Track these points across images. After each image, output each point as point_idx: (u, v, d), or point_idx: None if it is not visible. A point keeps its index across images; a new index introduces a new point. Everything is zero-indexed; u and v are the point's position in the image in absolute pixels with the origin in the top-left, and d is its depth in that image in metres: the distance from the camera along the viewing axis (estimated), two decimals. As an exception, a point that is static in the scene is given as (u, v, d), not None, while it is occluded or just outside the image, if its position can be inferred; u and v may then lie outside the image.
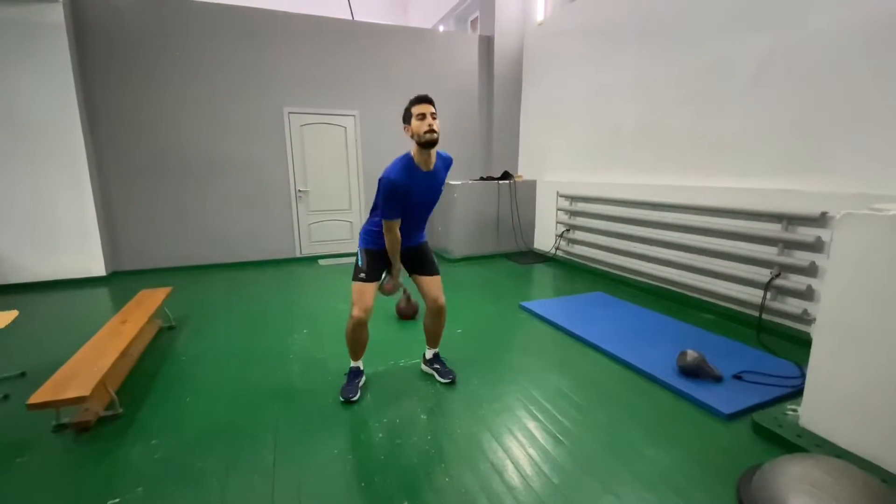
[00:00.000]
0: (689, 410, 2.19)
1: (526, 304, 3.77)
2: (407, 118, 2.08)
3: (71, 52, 4.40)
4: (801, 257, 2.95)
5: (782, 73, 3.09)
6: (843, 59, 2.75)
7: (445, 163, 2.28)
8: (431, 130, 2.01)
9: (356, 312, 2.21)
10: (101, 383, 2.10)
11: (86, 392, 1.92)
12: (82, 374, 2.08)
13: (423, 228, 2.42)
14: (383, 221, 2.14)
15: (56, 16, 4.27)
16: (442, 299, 2.40)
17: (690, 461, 1.81)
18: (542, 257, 5.77)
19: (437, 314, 2.43)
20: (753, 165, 3.33)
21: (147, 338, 3.05)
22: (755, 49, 3.24)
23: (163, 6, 4.85)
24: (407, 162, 2.09)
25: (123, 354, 2.42)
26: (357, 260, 2.31)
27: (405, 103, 2.10)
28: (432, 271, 2.40)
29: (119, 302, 3.91)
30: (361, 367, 2.44)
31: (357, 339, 2.33)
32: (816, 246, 2.84)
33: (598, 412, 2.19)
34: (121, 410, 2.19)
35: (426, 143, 2.03)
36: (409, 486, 1.69)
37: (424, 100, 2.06)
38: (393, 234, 2.18)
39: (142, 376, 2.59)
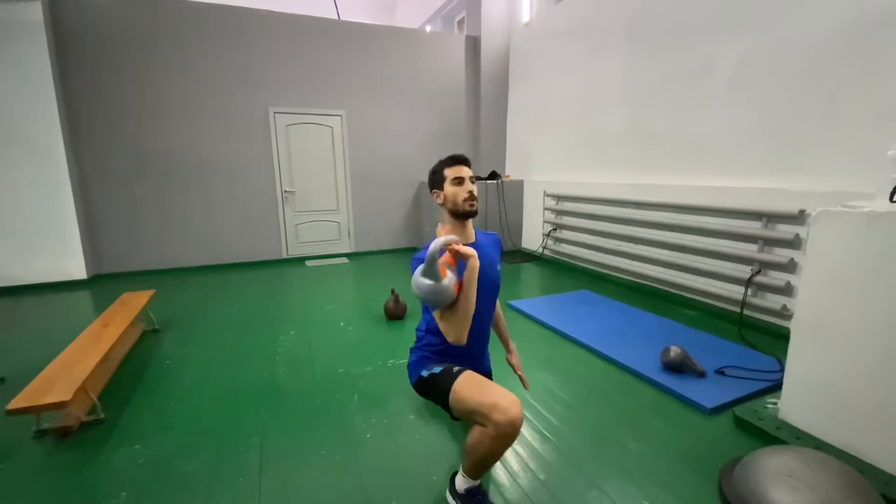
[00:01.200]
0: (672, 405, 2.23)
1: (514, 302, 3.79)
2: (438, 182, 1.66)
3: (50, 50, 4.30)
4: (781, 254, 3.02)
5: (761, 74, 3.16)
6: (819, 62, 2.82)
7: (494, 241, 1.82)
8: (472, 198, 1.61)
9: (514, 411, 1.32)
10: (83, 388, 2.06)
11: (66, 397, 1.88)
12: (63, 378, 2.04)
13: (486, 341, 1.83)
14: (433, 314, 1.52)
15: (34, 14, 4.17)
16: (520, 419, 1.36)
17: (674, 455, 1.85)
18: (530, 256, 5.80)
19: (505, 439, 1.37)
20: (734, 164, 3.40)
21: (130, 341, 3.00)
22: (735, 51, 3.31)
23: (145, 4, 4.77)
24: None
25: (105, 358, 2.37)
26: (425, 377, 1.63)
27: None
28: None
29: (101, 305, 3.84)
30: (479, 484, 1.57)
31: (495, 454, 1.42)
32: (795, 243, 2.91)
33: (585, 408, 2.22)
34: (103, 415, 2.15)
35: (464, 215, 1.61)
36: (398, 486, 1.69)
37: (461, 161, 1.66)
38: (453, 318, 1.44)
39: (124, 380, 2.55)
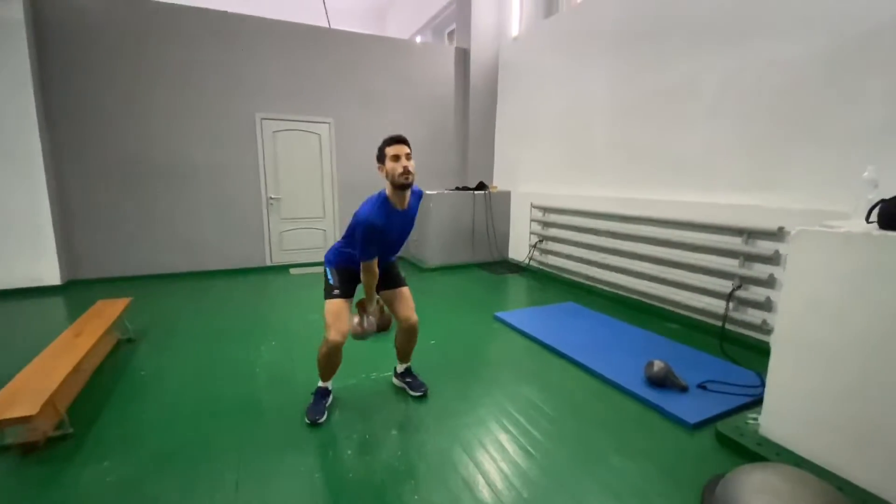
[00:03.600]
0: (656, 420, 2.23)
1: (500, 314, 3.78)
2: (381, 158, 2.04)
3: (30, 50, 4.20)
4: (761, 270, 3.07)
5: (742, 94, 3.24)
6: (798, 83, 2.91)
7: (417, 197, 2.26)
8: (406, 173, 1.98)
9: (332, 336, 2.09)
10: (50, 401, 1.97)
11: (32, 411, 1.80)
12: (29, 391, 1.95)
13: (394, 256, 2.40)
14: (362, 263, 2.08)
15: (14, 12, 4.08)
16: (414, 318, 2.36)
17: (657, 471, 1.84)
18: (517, 267, 5.82)
19: (409, 332, 2.39)
20: (716, 181, 3.46)
21: (103, 352, 2.90)
22: (717, 71, 3.39)
23: (131, 7, 4.70)
24: (382, 203, 2.05)
25: (76, 370, 2.28)
26: (327, 278, 2.23)
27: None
28: (399, 283, 2.37)
29: (74, 313, 3.71)
30: (330, 388, 2.34)
31: (330, 363, 2.22)
32: (774, 259, 2.97)
33: (569, 423, 2.21)
34: (71, 430, 2.06)
35: (401, 186, 2.01)
36: (378, 504, 1.65)
37: (398, 140, 2.02)
38: (370, 272, 2.11)
39: (96, 393, 2.46)
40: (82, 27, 4.53)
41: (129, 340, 3.22)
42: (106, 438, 2.05)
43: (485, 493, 1.72)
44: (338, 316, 2.13)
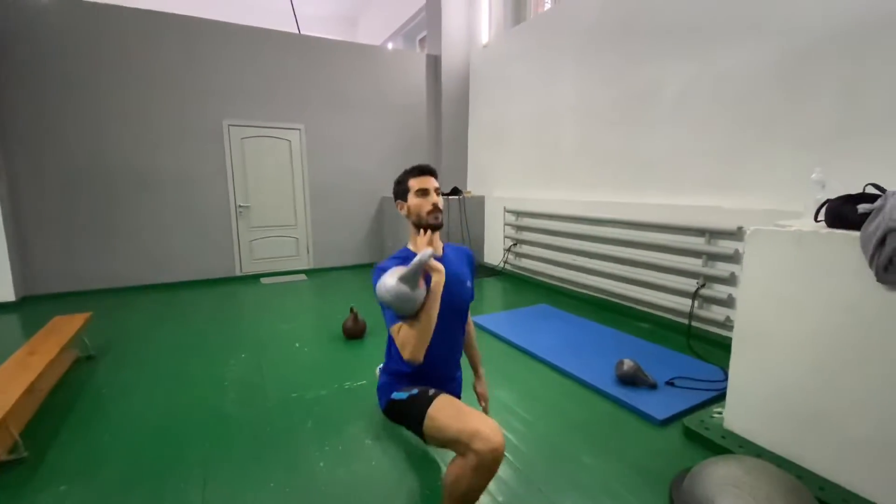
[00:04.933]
0: (626, 418, 2.28)
1: (475, 318, 3.79)
2: (402, 193, 1.63)
3: (-24, 55, 4.00)
4: (723, 268, 3.19)
5: (702, 99, 3.37)
6: (752, 89, 3.05)
7: (465, 256, 1.78)
8: (437, 210, 1.58)
9: (495, 438, 1.24)
10: (2, 424, 1.87)
11: (-21, 436, 1.70)
12: (-24, 415, 1.84)
13: (457, 362, 1.80)
14: (390, 329, 1.48)
15: (-42, 15, 3.87)
16: (501, 444, 1.30)
17: (628, 468, 1.88)
18: (492, 271, 5.86)
19: (488, 468, 1.29)
20: (679, 183, 3.59)
21: (60, 370, 2.76)
22: (678, 78, 3.52)
23: (88, 10, 4.54)
24: (405, 254, 1.62)
25: (30, 390, 2.16)
26: (396, 402, 1.57)
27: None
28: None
29: (30, 331, 3.52)
30: None
31: (478, 488, 1.30)
32: (735, 258, 3.09)
33: (542, 424, 2.23)
34: (25, 454, 1.95)
35: (431, 227, 1.58)
36: (351, 515, 1.62)
37: (426, 171, 1.62)
38: (406, 334, 1.42)
39: (52, 414, 2.33)
40: (36, 31, 4.34)
41: (89, 357, 3.08)
42: (63, 462, 1.94)
43: (459, 498, 1.71)
44: (461, 408, 1.40)
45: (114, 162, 4.81)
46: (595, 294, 4.36)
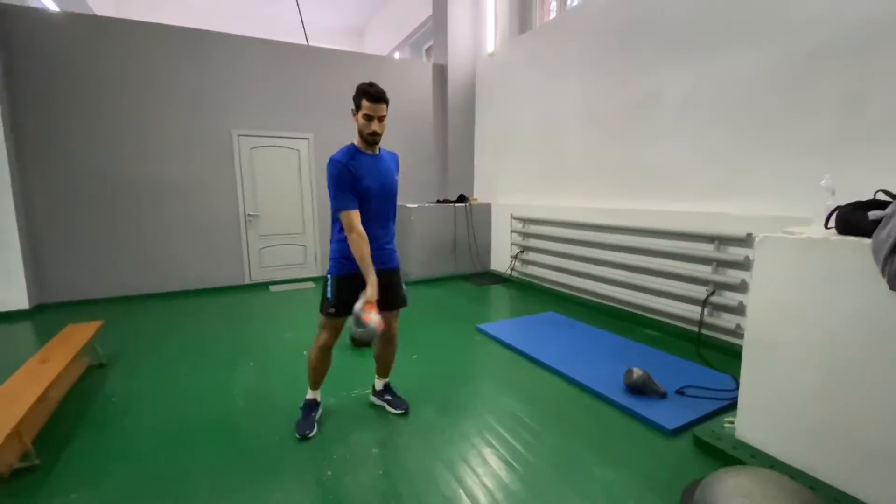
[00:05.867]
0: (635, 427, 2.26)
1: (482, 326, 3.79)
2: (357, 106, 2.01)
3: (-5, 69, 4.11)
4: (733, 275, 3.16)
5: (705, 105, 3.36)
6: (755, 94, 3.04)
7: (394, 158, 2.25)
8: (374, 134, 2.01)
9: (324, 337, 2.16)
10: (15, 432, 1.89)
11: (-7, 444, 1.72)
12: (-9, 423, 1.87)
13: (390, 234, 2.24)
14: (341, 214, 1.98)
15: (-22, 31, 3.99)
16: (395, 327, 2.34)
17: (637, 478, 1.86)
18: (499, 278, 5.85)
19: (387, 342, 2.37)
20: (685, 189, 3.57)
21: (72, 378, 2.79)
22: (680, 84, 3.52)
23: (100, 25, 4.65)
24: (350, 146, 2.07)
25: (42, 398, 2.19)
26: (326, 290, 2.10)
27: (363, 83, 2.00)
28: (401, 304, 2.27)
29: (43, 338, 3.58)
30: (319, 399, 2.33)
31: (321, 364, 2.24)
32: (745, 264, 3.05)
33: (550, 434, 2.21)
34: (38, 461, 1.98)
35: (367, 142, 2.05)
36: (358, 525, 1.62)
37: (377, 98, 1.97)
38: (355, 231, 1.96)
39: (64, 421, 2.36)
40: (51, 44, 4.45)
41: (101, 365, 3.11)
42: (74, 469, 1.96)
43: (467, 509, 1.70)
44: (334, 328, 2.17)
45: (125, 172, 4.90)
46: (603, 301, 4.33)
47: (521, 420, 2.34)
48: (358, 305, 1.93)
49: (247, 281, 5.68)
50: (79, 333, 2.97)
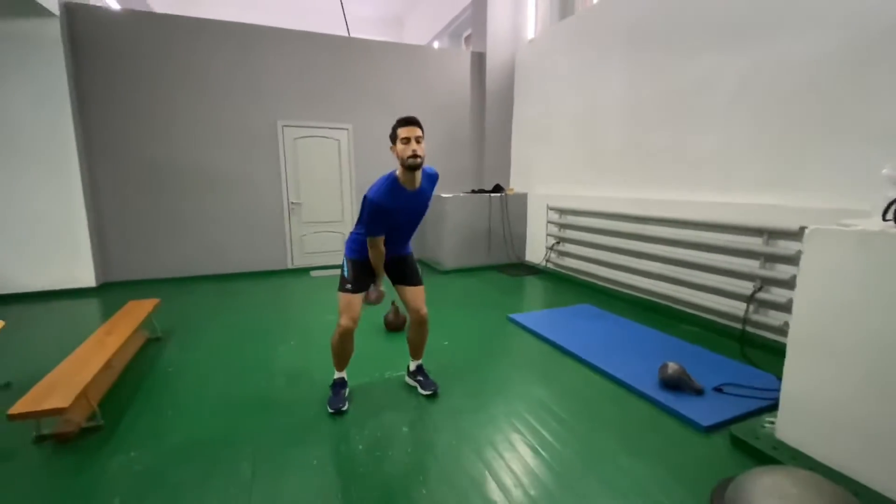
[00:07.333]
0: (668, 422, 2.21)
1: (514, 315, 3.79)
2: (393, 138, 2.10)
3: (67, 64, 4.46)
4: (782, 270, 2.99)
5: (760, 91, 3.17)
6: (817, 79, 2.83)
7: (431, 179, 2.29)
8: (415, 156, 2.03)
9: (343, 322, 2.24)
10: (83, 395, 2.10)
11: (65, 404, 1.92)
12: (63, 385, 2.08)
13: (409, 241, 2.47)
14: (367, 238, 2.18)
15: (53, 30, 4.34)
16: (424, 310, 2.43)
17: (667, 474, 1.83)
18: (533, 269, 5.80)
19: (419, 325, 2.46)
20: (734, 180, 3.39)
21: (132, 349, 3.05)
22: (735, 68, 3.33)
23: (157, 21, 4.94)
24: (391, 183, 2.10)
25: (107, 366, 2.42)
26: (343, 270, 2.32)
27: (398, 116, 2.11)
28: (415, 281, 2.43)
29: (108, 313, 3.90)
30: (345, 378, 2.46)
31: (343, 349, 2.35)
32: (796, 259, 2.87)
33: (579, 424, 2.20)
34: (102, 422, 2.19)
35: (410, 168, 2.06)
36: (386, 498, 1.69)
37: (410, 122, 2.06)
38: (376, 249, 2.21)
39: (125, 388, 2.59)
40: (113, 41, 4.77)
41: (157, 339, 3.37)
42: (133, 430, 2.16)
43: (491, 491, 1.74)
44: (349, 305, 2.26)
45: (180, 161, 5.21)
46: (641, 295, 4.22)
47: (550, 409, 2.35)
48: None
49: (289, 266, 5.92)
50: (139, 309, 3.23)
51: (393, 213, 2.11)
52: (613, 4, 4.51)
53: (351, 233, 2.36)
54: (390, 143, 2.12)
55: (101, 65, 4.76)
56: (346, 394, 2.41)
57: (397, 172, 2.13)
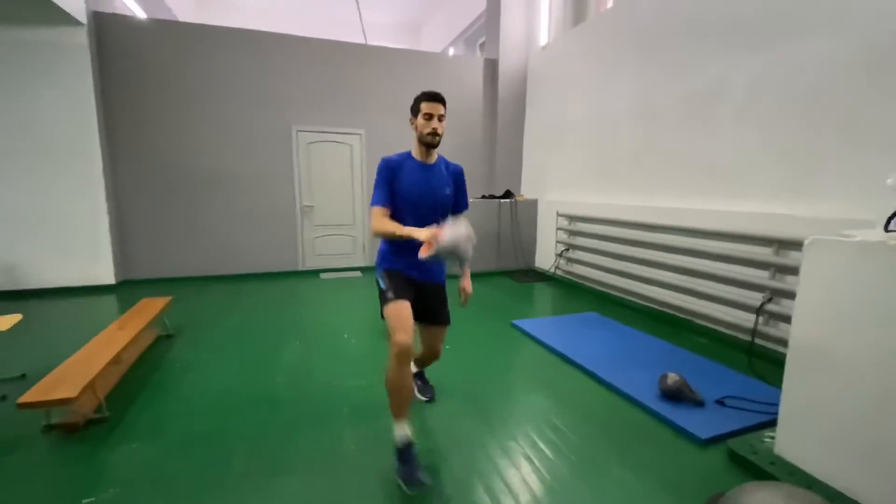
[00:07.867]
0: (666, 434, 2.17)
1: (517, 322, 3.77)
2: (415, 111, 1.99)
3: (93, 71, 4.66)
4: (793, 282, 2.91)
5: (772, 98, 3.11)
6: (830, 86, 2.77)
7: (452, 170, 2.14)
8: (434, 133, 1.94)
9: (398, 338, 1.75)
10: (90, 386, 2.18)
11: (73, 394, 2.00)
12: (72, 377, 2.17)
13: (443, 265, 2.21)
14: (370, 209, 1.98)
15: (80, 38, 4.54)
16: (440, 350, 2.28)
17: (660, 486, 1.79)
18: (542, 276, 5.77)
19: (431, 358, 2.33)
20: (744, 189, 3.33)
21: (143, 345, 3.14)
22: (746, 75, 3.28)
23: (180, 29, 5.13)
24: (404, 153, 2.04)
25: (116, 360, 2.51)
26: (379, 287, 2.05)
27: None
28: (443, 320, 2.20)
29: (124, 310, 4.03)
30: (409, 435, 1.81)
31: (403, 382, 1.79)
32: (806, 271, 2.80)
33: (576, 435, 2.18)
34: (107, 414, 2.26)
35: (426, 144, 1.97)
36: (374, 500, 1.71)
37: (435, 98, 1.95)
38: (382, 222, 1.91)
39: (133, 382, 2.67)
40: (137, 49, 4.96)
41: (168, 336, 3.47)
42: (137, 423, 2.23)
43: (480, 497, 1.74)
44: (399, 317, 1.83)
45: (197, 164, 5.37)
46: (649, 304, 4.15)
47: (549, 419, 2.33)
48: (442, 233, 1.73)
49: (300, 268, 6.02)
50: (151, 306, 3.33)
51: (399, 176, 1.96)
52: (626, 11, 4.49)
53: (378, 251, 2.15)
54: (410, 115, 2.01)
55: (125, 71, 4.96)
56: (415, 452, 1.82)
57: (412, 147, 2.05)
